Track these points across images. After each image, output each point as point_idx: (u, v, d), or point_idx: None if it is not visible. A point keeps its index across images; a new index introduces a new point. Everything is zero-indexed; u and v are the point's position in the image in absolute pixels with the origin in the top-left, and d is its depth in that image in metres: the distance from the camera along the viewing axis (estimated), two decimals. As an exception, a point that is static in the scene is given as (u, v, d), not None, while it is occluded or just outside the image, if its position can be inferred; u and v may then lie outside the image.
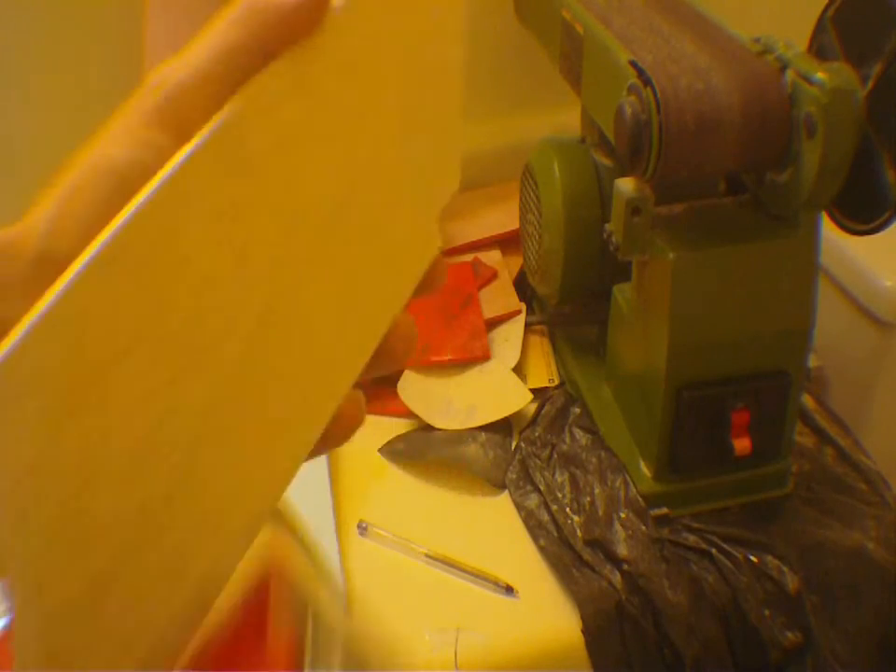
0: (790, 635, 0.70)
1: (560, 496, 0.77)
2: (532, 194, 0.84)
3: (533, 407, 0.86)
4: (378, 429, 0.87)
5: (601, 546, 0.73)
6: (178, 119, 0.19)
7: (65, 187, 0.18)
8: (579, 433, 0.82)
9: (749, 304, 0.69)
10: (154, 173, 0.17)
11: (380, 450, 0.85)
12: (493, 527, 0.78)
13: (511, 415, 0.86)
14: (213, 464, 0.20)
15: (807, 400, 0.86)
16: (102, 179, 0.18)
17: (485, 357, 0.90)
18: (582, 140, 0.85)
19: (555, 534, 0.75)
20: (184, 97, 0.19)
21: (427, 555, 0.75)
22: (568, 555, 0.73)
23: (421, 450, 0.83)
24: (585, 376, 0.86)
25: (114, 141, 0.19)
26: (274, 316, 0.20)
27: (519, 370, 0.90)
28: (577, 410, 0.84)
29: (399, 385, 0.87)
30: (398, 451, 0.84)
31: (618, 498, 0.76)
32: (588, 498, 0.76)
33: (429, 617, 0.71)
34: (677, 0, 0.75)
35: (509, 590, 0.72)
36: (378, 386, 0.89)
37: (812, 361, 0.94)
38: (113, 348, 0.16)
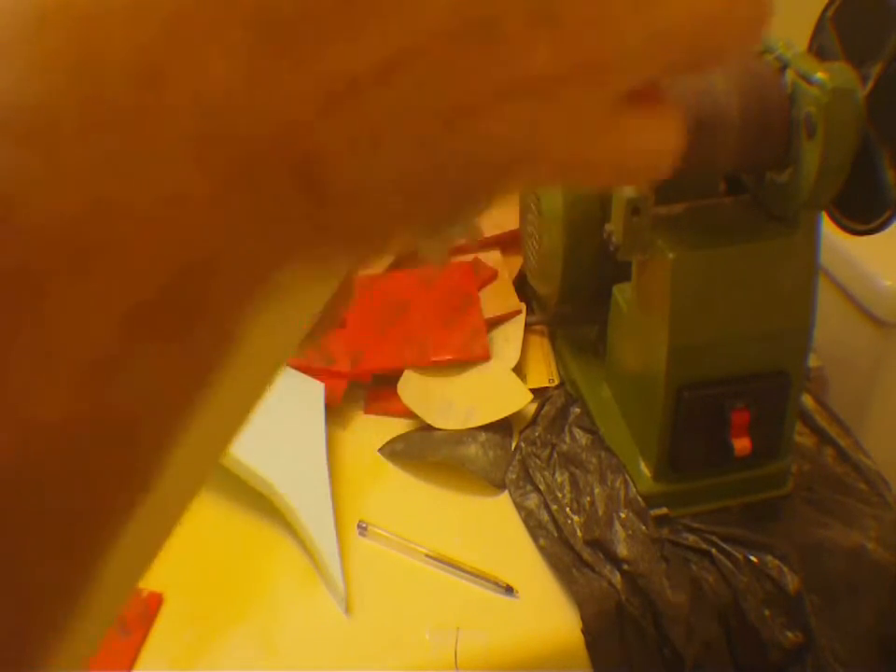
0: (790, 635, 0.70)
1: (560, 496, 0.77)
2: (532, 194, 0.84)
3: (533, 407, 0.86)
4: (378, 429, 0.87)
5: (601, 546, 0.73)
6: None
7: None
8: (579, 433, 0.82)
9: (749, 304, 0.69)
10: None
11: (380, 450, 0.85)
12: (493, 527, 0.78)
13: (511, 415, 0.86)
14: None
15: (807, 400, 0.86)
16: None
17: (485, 357, 0.90)
18: (582, 140, 0.84)
19: (555, 534, 0.75)
20: None
21: (427, 555, 0.75)
22: (568, 555, 0.73)
23: (421, 450, 0.83)
24: (585, 376, 0.86)
25: None
26: None
27: (519, 370, 0.90)
28: (577, 410, 0.85)
29: (399, 385, 0.87)
30: (398, 451, 0.84)
31: (618, 498, 0.76)
32: (588, 498, 0.76)
33: (429, 617, 0.71)
34: None
35: (509, 590, 0.72)
36: (378, 386, 0.90)
37: (812, 361, 0.94)
38: None
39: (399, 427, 0.87)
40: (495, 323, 0.94)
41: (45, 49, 0.13)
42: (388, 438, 0.85)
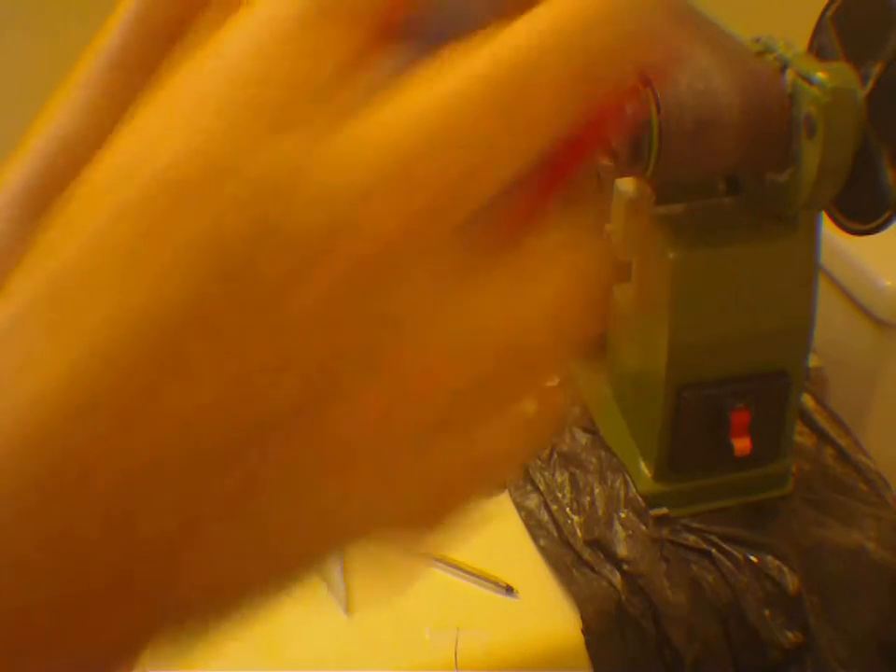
0: (790, 635, 0.70)
1: (560, 496, 0.77)
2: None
3: (533, 407, 0.86)
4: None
5: (601, 546, 0.73)
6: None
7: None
8: (579, 433, 0.82)
9: (749, 304, 0.69)
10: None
11: (380, 450, 0.85)
12: (493, 527, 0.78)
13: (510, 415, 0.85)
14: None
15: (807, 400, 0.86)
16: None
17: (485, 357, 0.90)
18: (582, 140, 0.84)
19: (555, 534, 0.75)
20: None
21: (427, 555, 0.75)
22: (568, 555, 0.73)
23: (421, 450, 0.83)
24: (585, 376, 0.86)
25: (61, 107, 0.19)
26: None
27: (519, 370, 0.90)
28: (577, 410, 0.84)
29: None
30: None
31: (618, 498, 0.76)
32: (588, 498, 0.76)
33: (429, 617, 0.71)
34: (677, 0, 0.75)
35: (509, 590, 0.72)
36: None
37: (812, 361, 0.94)
38: None
39: (398, 427, 0.87)
40: (495, 323, 0.94)
41: None
42: (388, 438, 0.85)
